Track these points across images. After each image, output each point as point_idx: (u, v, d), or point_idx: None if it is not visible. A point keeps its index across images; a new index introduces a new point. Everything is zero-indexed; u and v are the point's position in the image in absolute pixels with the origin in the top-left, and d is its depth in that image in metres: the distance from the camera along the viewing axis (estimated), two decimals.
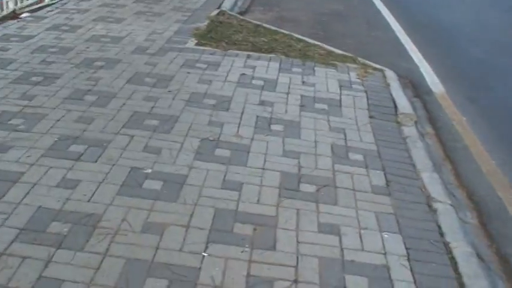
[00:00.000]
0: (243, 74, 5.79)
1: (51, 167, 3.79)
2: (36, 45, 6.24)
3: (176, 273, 2.91)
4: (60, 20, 7.34)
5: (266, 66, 6.08)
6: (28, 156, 3.90)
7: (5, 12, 7.27)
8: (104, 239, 3.12)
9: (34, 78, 5.28)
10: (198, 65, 5.98)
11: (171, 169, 3.89)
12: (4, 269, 2.84)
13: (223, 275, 2.95)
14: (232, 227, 3.33)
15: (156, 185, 3.68)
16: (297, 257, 3.13)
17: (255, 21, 8.12)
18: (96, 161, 3.91)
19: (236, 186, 3.75)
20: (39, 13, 7.61)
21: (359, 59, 6.62)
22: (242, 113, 4.86)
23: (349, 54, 6.76)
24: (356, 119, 4.97)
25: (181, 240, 3.16)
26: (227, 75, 5.72)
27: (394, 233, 3.44)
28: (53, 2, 8.18)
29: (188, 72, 5.72)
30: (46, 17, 7.41)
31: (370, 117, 5.04)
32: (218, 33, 7.18)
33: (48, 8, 7.87)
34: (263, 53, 6.55)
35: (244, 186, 3.75)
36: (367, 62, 6.57)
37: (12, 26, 6.96)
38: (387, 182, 3.99)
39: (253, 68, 6.00)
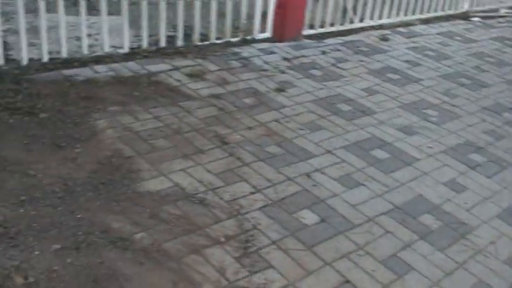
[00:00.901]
0: None
1: (445, 165, 3.86)
2: (475, 50, 6.30)
3: None
4: (508, 33, 7.19)
5: None
6: (429, 147, 4.05)
7: (456, 11, 7.49)
8: (465, 251, 3.06)
9: (462, 79, 5.37)
10: None
11: None
12: (367, 232, 3.07)
13: None
14: None
15: None
16: None
17: None
18: (489, 177, 3.81)
19: None
20: (489, 21, 7.60)
21: None
22: None
23: None
24: None
25: None
26: None
27: None
28: (509, 14, 8.03)
29: None
30: (495, 27, 7.37)
31: None
32: None
33: (501, 19, 7.79)
34: None
35: None
36: None
37: (459, 25, 7.17)
38: None
39: None
